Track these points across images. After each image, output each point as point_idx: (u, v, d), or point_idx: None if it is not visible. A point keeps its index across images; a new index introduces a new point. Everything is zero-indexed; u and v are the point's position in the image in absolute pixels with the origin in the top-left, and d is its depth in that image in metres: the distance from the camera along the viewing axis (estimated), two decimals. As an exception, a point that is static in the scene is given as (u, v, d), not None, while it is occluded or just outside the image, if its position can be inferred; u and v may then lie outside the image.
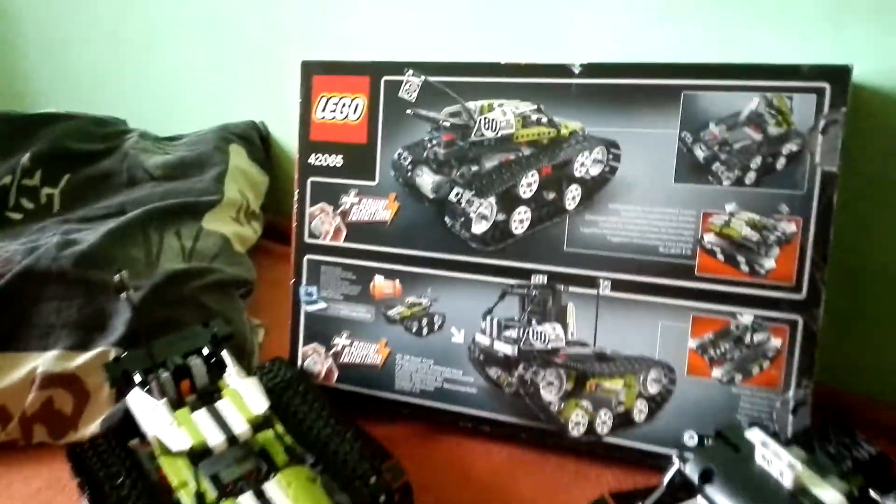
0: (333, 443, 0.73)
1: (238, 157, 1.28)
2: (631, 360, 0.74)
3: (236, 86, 1.36)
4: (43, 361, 0.86)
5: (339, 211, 0.86)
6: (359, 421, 0.76)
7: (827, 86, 0.65)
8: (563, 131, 0.76)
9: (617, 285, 0.73)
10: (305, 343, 0.89)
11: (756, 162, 0.69)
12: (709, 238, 0.70)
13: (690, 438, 0.72)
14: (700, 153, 0.70)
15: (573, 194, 0.76)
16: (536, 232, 0.77)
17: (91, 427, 0.85)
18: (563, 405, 0.76)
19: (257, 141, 1.32)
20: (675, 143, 0.70)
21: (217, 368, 0.75)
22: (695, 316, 0.71)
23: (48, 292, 0.90)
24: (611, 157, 0.74)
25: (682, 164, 0.70)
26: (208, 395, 0.70)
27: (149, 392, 0.71)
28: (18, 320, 0.89)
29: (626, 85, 0.72)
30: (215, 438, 0.63)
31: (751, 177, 0.69)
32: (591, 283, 0.74)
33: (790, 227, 0.67)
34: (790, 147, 0.67)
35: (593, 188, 0.75)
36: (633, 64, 0.72)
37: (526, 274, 0.77)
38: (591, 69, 0.73)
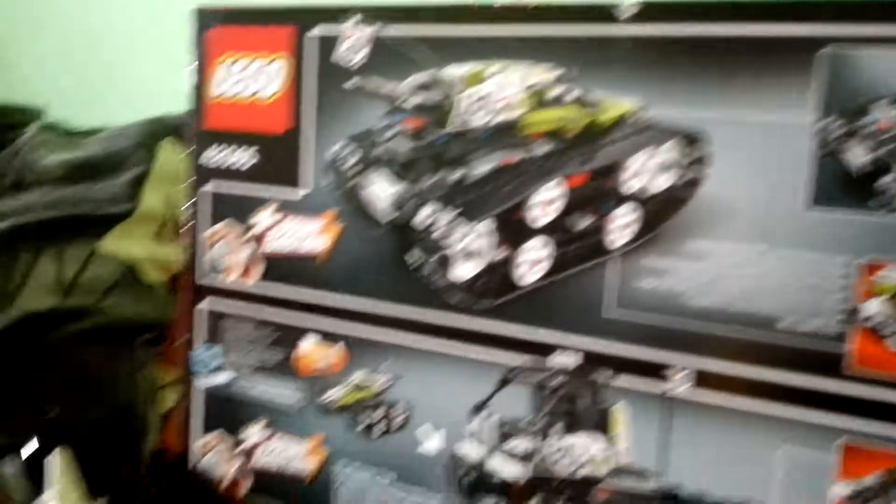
0: None
1: (170, 156, 0.97)
2: (722, 508, 0.43)
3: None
4: None
5: (250, 235, 0.55)
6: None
7: None
8: (606, 116, 0.45)
9: (704, 380, 0.43)
10: (206, 430, 0.58)
11: (971, 172, 0.38)
12: (874, 307, 0.39)
13: None
14: (857, 157, 0.39)
15: (624, 222, 0.45)
16: (560, 283, 0.46)
17: None
18: (599, 571, 0.46)
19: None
20: (808, 139, 0.40)
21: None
22: (848, 444, 0.40)
23: None
24: (691, 159, 0.43)
25: (822, 176, 0.40)
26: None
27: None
28: None
29: (717, 38, 0.41)
30: None
31: (960, 199, 0.38)
32: (657, 372, 0.44)
33: None
34: None
35: (660, 213, 0.44)
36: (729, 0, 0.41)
37: (542, 350, 0.46)
38: (652, 9, 0.42)
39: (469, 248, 0.47)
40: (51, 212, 0.80)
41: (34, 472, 0.49)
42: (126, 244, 0.83)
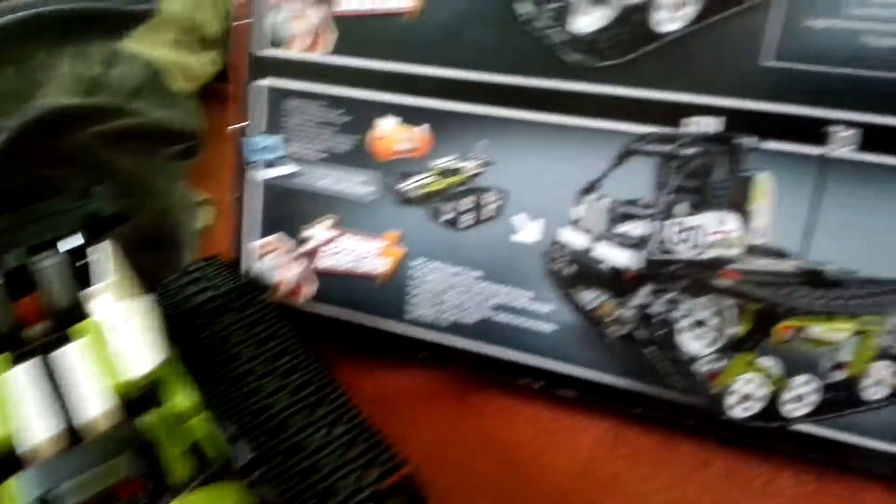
0: (299, 421, 0.39)
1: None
2: (877, 286, 0.38)
3: None
4: None
5: (321, -4, 0.48)
6: (349, 368, 0.45)
7: None
8: None
9: (873, 138, 0.37)
10: (263, 233, 0.53)
11: None
12: None
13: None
14: None
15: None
16: (706, 29, 0.39)
17: None
18: (721, 364, 0.42)
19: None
20: None
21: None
22: None
23: None
24: None
25: None
26: (68, 324, 0.37)
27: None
28: None
29: None
30: (40, 430, 0.30)
31: None
32: (813, 132, 0.38)
33: None
34: None
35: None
36: None
37: (673, 115, 0.40)
38: None
39: (594, -9, 0.40)
40: (69, 4, 0.72)
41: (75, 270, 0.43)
42: (150, 48, 0.75)
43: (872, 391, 0.39)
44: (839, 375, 0.40)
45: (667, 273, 0.42)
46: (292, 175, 0.51)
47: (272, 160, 0.52)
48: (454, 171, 0.47)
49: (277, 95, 0.50)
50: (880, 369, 0.39)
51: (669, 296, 0.42)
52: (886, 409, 0.39)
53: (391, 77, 0.46)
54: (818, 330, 0.39)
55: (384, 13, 0.46)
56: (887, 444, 0.39)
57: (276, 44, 0.49)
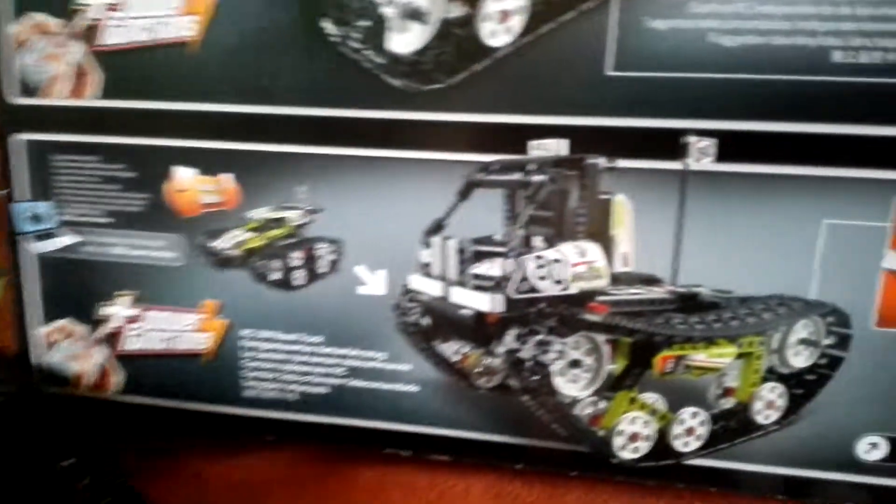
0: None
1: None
2: (755, 304, 0.35)
3: None
4: None
5: (76, 28, 0.38)
6: (195, 461, 0.40)
7: None
8: None
9: (730, 146, 0.33)
10: (48, 319, 0.43)
11: None
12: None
13: (872, 449, 0.36)
14: None
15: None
16: (542, 40, 0.34)
17: None
18: (602, 405, 0.37)
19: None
20: None
21: None
22: (905, 202, 0.33)
23: None
24: None
25: None
26: None
27: None
28: None
29: None
30: None
31: None
32: (669, 145, 0.34)
33: None
34: None
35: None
36: None
37: (518, 139, 0.35)
38: None
39: (409, 4, 0.33)
40: None
41: None
42: None
43: (764, 415, 0.36)
44: (728, 403, 0.37)
45: (533, 313, 0.37)
46: (74, 246, 0.41)
47: (45, 230, 0.42)
48: (276, 223, 0.39)
49: (41, 151, 0.40)
50: (769, 391, 0.36)
51: (539, 337, 0.37)
52: (778, 433, 0.36)
53: (178, 119, 0.38)
54: (700, 357, 0.36)
55: (159, 44, 0.37)
56: (782, 468, 0.36)
57: (29, 90, 0.39)
